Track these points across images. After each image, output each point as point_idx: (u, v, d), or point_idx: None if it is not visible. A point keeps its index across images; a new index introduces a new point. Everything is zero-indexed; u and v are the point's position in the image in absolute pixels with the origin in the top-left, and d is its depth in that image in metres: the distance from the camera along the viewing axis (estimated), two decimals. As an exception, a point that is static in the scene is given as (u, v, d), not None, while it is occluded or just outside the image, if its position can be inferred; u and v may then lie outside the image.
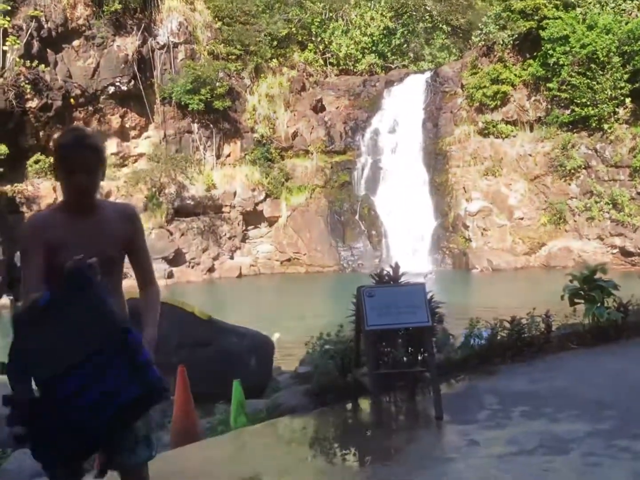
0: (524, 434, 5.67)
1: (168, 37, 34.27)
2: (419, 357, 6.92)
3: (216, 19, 35.98)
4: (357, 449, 5.85)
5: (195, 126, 34.91)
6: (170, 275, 32.02)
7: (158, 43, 34.25)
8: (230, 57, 35.48)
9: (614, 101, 32.48)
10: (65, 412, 2.92)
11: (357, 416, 6.63)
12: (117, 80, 32.50)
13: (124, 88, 32.71)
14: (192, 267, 33.40)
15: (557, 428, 5.80)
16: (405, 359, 6.97)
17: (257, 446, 5.97)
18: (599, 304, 8.58)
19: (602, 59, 32.02)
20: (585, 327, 8.68)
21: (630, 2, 34.00)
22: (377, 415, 6.15)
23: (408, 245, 34.93)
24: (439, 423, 6.09)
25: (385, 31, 41.29)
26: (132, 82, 32.79)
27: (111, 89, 32.56)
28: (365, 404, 6.70)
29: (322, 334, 7.17)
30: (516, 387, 7.06)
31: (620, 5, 33.84)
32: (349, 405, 6.76)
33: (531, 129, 35.30)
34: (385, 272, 7.34)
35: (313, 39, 40.14)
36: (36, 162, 30.77)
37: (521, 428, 5.85)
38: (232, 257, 34.76)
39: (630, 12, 33.71)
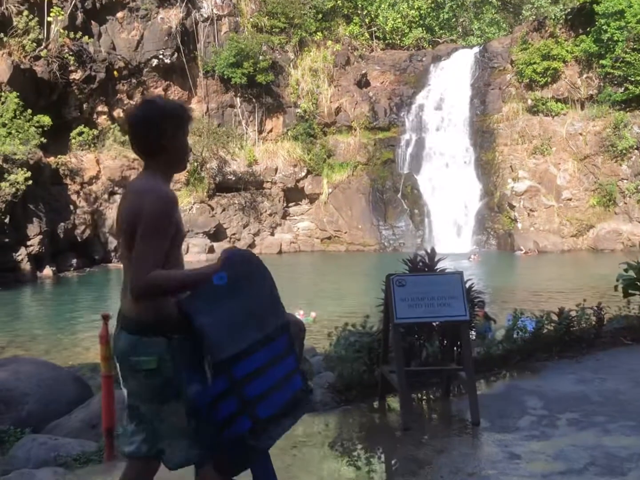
0: (572, 448, 4.91)
1: (212, 10, 33.64)
2: (455, 353, 6.19)
3: (260, -10, 35.21)
4: (381, 457, 5.16)
5: (237, 100, 34.33)
6: (210, 250, 31.69)
7: (202, 15, 33.65)
8: (274, 30, 34.71)
9: (670, 79, 30.94)
10: (242, 393, 2.82)
11: (384, 417, 5.93)
12: (161, 52, 32.04)
13: (167, 61, 32.25)
14: (233, 242, 32.97)
15: (611, 442, 5.02)
16: (439, 354, 6.24)
17: (272, 449, 5.34)
18: (657, 296, 7.72)
19: (659, 34, 30.44)
20: (641, 321, 7.84)
21: (692, -26, 32.17)
22: (405, 417, 5.45)
23: (451, 225, 34.06)
24: (474, 430, 5.36)
25: (433, 4, 40.00)
26: (176, 55, 32.31)
27: (154, 62, 32.11)
28: (393, 403, 6.01)
29: (347, 324, 6.47)
30: (563, 388, 6.28)
31: (681, -23, 32.02)
32: (376, 404, 6.06)
33: (582, 107, 33.90)
34: (419, 259, 6.59)
35: (359, 12, 39.08)
36: (79, 134, 30.50)
37: (569, 440, 5.08)
38: (272, 234, 34.27)
39: (691, -15, 31.89)
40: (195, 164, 32.02)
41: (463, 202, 34.10)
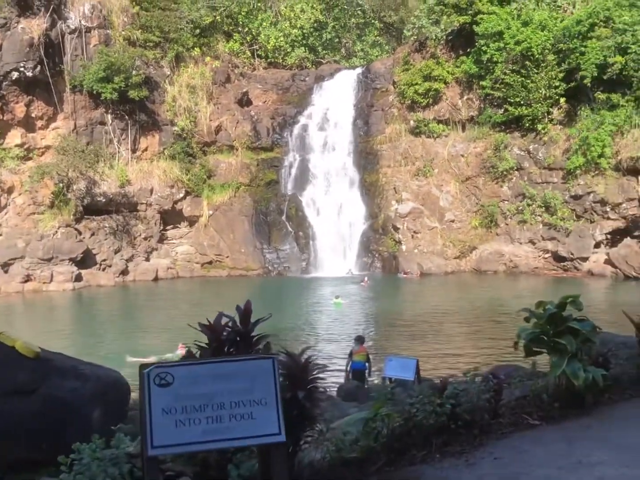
0: None
1: (80, 21, 30.38)
2: None
3: (133, 3, 32.17)
4: None
5: (108, 117, 31.05)
6: (78, 279, 28.22)
7: (69, 27, 30.31)
8: (148, 44, 31.74)
9: (548, 101, 30.10)
10: None
11: None
12: (22, 65, 28.54)
13: (29, 74, 28.73)
14: (103, 269, 29.58)
15: None
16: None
17: None
18: (570, 355, 5.44)
19: (537, 56, 29.53)
20: (550, 392, 5.53)
21: (565, -2, 31.62)
22: None
23: (336, 248, 32.22)
24: None
25: (316, 24, 38.08)
26: (39, 67, 28.88)
27: (15, 75, 28.56)
28: None
29: (95, 441, 3.72)
30: (448, 523, 3.82)
31: (556, 1, 31.41)
32: None
33: (463, 129, 32.73)
34: (225, 321, 4.00)
35: (240, 29, 36.65)
36: None
37: None
38: (147, 259, 31.09)
39: (565, 9, 31.31)
40: (61, 185, 28.53)
41: (348, 224, 32.26)
